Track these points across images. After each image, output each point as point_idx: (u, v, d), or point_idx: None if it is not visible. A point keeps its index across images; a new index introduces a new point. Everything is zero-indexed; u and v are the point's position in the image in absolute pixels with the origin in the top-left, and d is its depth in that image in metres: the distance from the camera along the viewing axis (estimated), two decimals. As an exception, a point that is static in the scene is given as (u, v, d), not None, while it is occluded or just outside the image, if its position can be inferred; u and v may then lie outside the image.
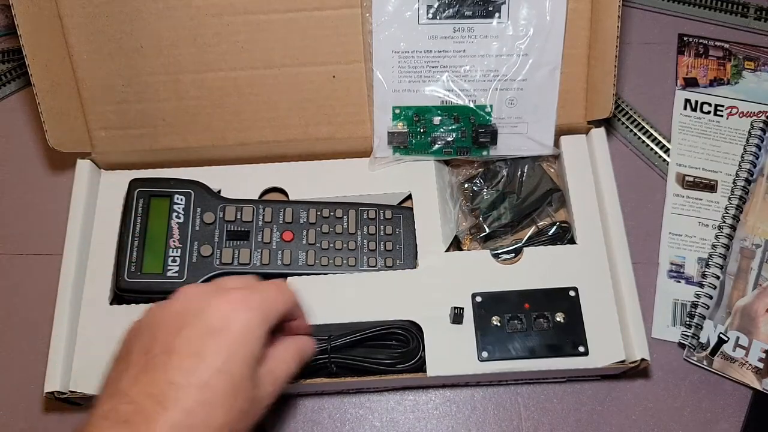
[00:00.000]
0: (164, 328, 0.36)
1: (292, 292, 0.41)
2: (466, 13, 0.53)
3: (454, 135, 0.56)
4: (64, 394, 0.48)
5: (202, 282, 0.51)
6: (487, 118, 0.55)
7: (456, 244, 0.56)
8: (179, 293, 0.38)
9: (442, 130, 0.56)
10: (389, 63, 0.54)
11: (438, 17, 0.53)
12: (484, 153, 0.56)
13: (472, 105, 0.55)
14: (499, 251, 0.54)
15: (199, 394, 0.34)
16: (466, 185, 0.58)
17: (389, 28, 0.53)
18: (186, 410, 0.33)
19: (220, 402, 0.34)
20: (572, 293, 0.51)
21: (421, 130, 0.56)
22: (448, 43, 0.54)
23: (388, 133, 0.55)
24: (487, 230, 0.56)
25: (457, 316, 0.50)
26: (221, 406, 0.34)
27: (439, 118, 0.55)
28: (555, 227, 0.56)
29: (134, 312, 0.51)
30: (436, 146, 0.56)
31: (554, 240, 0.55)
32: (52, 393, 0.48)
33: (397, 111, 0.55)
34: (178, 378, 0.34)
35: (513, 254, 0.54)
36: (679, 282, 0.59)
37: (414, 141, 0.56)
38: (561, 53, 0.54)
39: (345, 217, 0.54)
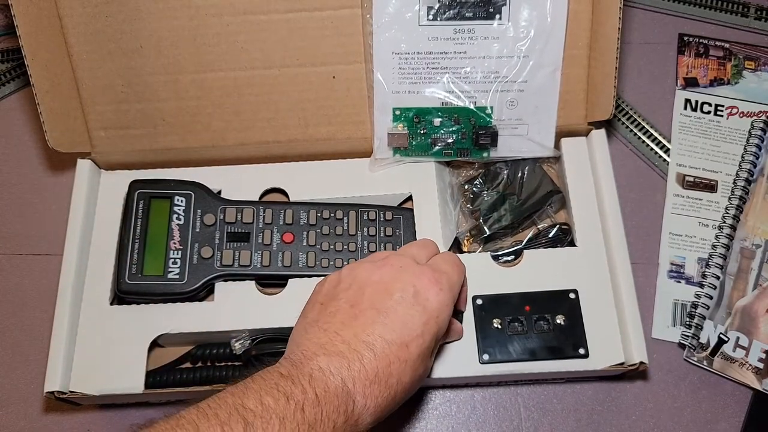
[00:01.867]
0: (372, 288, 0.42)
1: (463, 266, 0.46)
2: (466, 14, 0.53)
3: (454, 136, 0.55)
4: (64, 394, 0.48)
5: (203, 283, 0.51)
6: (488, 119, 0.55)
7: (456, 246, 0.56)
8: (384, 261, 0.43)
9: (442, 131, 0.55)
10: (390, 64, 0.54)
11: (438, 19, 0.53)
12: (485, 155, 0.56)
13: (472, 106, 0.55)
14: (499, 253, 0.54)
15: (400, 352, 0.39)
16: (466, 186, 0.58)
17: (390, 29, 0.53)
18: (388, 361, 0.39)
19: (412, 363, 0.40)
20: (572, 295, 0.51)
21: (422, 132, 0.56)
22: (448, 45, 0.54)
23: (388, 134, 0.55)
24: (488, 232, 0.56)
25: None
26: (411, 367, 0.40)
27: (440, 119, 0.55)
28: (555, 229, 0.56)
29: (134, 312, 0.51)
30: (437, 147, 0.56)
31: (554, 242, 0.55)
32: (52, 393, 0.48)
33: (398, 112, 0.55)
34: (386, 334, 0.39)
35: (513, 256, 0.54)
36: (679, 282, 0.59)
37: (414, 142, 0.56)
38: (562, 55, 0.54)
39: (345, 218, 0.54)
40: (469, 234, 0.57)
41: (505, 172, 0.58)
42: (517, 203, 0.56)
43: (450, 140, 0.55)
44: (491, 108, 0.55)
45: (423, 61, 0.54)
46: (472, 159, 0.57)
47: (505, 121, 0.55)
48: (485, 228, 0.56)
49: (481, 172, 0.58)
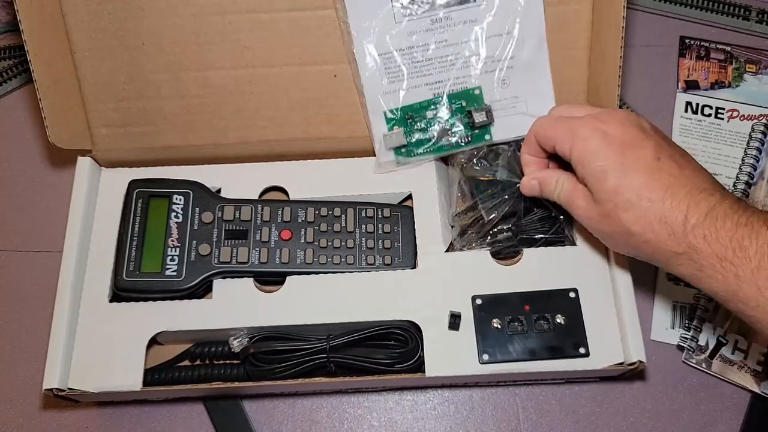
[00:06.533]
0: None
1: None
2: (440, 2, 0.53)
3: (450, 125, 0.55)
4: (63, 391, 0.48)
5: (201, 280, 0.51)
6: (480, 100, 0.55)
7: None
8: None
9: (437, 122, 0.55)
10: (375, 67, 0.54)
11: (414, 13, 0.53)
12: (487, 137, 0.55)
13: (462, 91, 0.55)
14: (498, 238, 0.53)
15: None
16: (466, 164, 0.55)
17: (368, 33, 0.53)
18: None
19: None
20: (572, 294, 0.51)
21: (418, 128, 0.55)
22: (428, 36, 0.54)
23: (384, 136, 0.55)
24: (485, 218, 0.53)
25: (453, 325, 0.50)
26: None
27: (432, 111, 0.55)
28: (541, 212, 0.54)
29: (133, 310, 0.51)
30: (435, 139, 0.55)
31: (545, 222, 0.54)
32: (51, 390, 0.48)
33: (389, 115, 0.55)
34: None
35: (512, 249, 0.53)
36: (679, 284, 0.59)
37: (413, 140, 0.55)
38: (543, 24, 0.54)
39: (343, 215, 0.54)
40: (464, 213, 0.54)
41: (509, 150, 0.56)
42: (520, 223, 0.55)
43: (446, 128, 0.55)
44: (480, 88, 0.55)
45: (406, 57, 0.54)
46: (476, 145, 0.55)
47: (501, 102, 0.55)
48: (483, 213, 0.53)
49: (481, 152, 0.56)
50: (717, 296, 0.41)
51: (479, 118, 0.54)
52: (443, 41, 0.54)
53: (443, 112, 0.55)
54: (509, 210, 0.53)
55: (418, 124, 0.55)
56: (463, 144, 0.55)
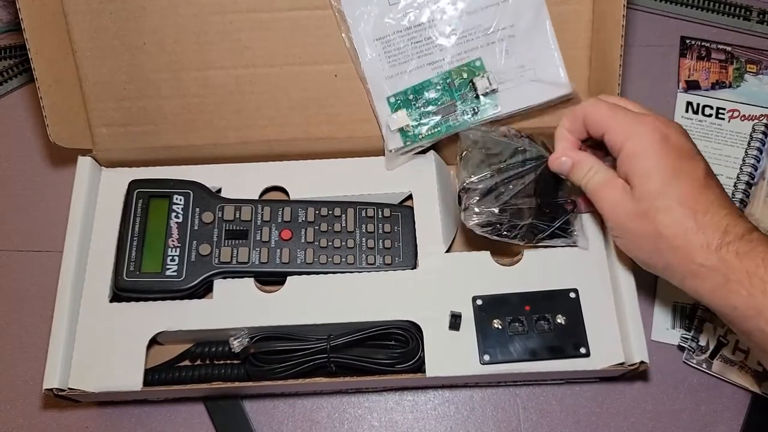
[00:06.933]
0: None
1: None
2: None
3: (455, 100, 0.55)
4: (63, 391, 0.48)
5: (201, 280, 0.51)
6: (481, 69, 0.54)
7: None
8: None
9: (442, 100, 0.55)
10: (374, 52, 0.54)
11: None
12: (495, 109, 0.54)
13: (462, 65, 0.54)
14: (499, 224, 0.50)
15: None
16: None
17: (363, 19, 0.53)
18: None
19: None
20: (573, 295, 0.51)
21: (423, 108, 0.55)
22: (424, 14, 0.53)
23: (389, 119, 0.54)
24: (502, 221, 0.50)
25: (454, 325, 0.50)
26: None
27: (435, 90, 0.55)
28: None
29: (134, 310, 0.51)
30: (442, 117, 0.55)
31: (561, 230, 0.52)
32: (51, 390, 0.48)
33: (392, 100, 0.55)
34: None
35: (520, 229, 0.51)
36: (679, 285, 0.59)
37: (420, 121, 0.55)
38: None
39: (343, 215, 0.54)
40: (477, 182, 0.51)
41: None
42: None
43: (453, 103, 0.54)
44: (481, 60, 0.54)
45: (404, 38, 0.54)
46: (484, 118, 0.54)
47: (506, 73, 0.54)
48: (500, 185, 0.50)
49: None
50: (736, 311, 0.40)
51: (482, 85, 0.54)
52: (440, 17, 0.53)
53: (447, 89, 0.55)
54: (526, 185, 0.50)
55: (424, 104, 0.55)
56: (470, 118, 0.55)
